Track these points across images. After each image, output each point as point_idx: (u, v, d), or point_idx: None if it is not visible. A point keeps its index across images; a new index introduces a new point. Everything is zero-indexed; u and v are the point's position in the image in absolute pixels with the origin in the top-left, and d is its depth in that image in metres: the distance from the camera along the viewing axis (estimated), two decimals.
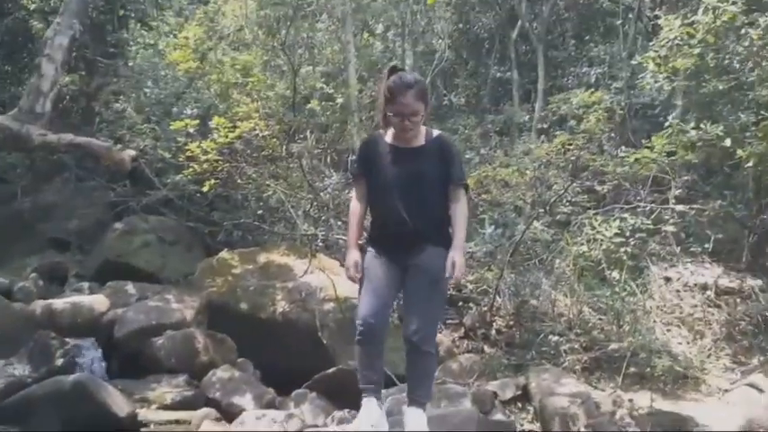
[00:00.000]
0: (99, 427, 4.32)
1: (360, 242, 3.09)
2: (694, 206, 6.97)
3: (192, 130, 6.90)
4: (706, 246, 7.01)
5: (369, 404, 2.88)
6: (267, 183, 6.81)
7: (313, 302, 6.16)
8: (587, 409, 4.82)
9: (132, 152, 7.25)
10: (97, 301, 6.18)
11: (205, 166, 6.19)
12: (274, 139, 7.06)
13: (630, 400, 4.99)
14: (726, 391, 5.38)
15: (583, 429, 4.74)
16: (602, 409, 4.83)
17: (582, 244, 6.77)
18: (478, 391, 5.22)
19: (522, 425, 5.27)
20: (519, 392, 5.62)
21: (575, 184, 7.31)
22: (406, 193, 2.87)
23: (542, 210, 7.24)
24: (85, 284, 6.97)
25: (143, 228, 7.79)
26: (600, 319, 6.26)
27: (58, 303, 6.07)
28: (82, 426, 4.24)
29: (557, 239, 7.11)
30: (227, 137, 6.49)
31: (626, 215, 6.82)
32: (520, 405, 5.53)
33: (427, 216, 2.89)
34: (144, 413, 4.77)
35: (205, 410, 4.89)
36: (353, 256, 2.96)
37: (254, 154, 7.16)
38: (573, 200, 7.52)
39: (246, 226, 7.71)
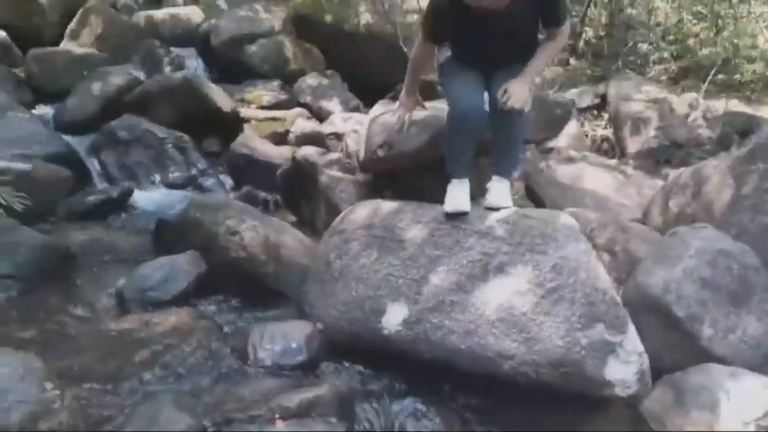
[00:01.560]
0: (208, 119, 4.93)
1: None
2: None
3: None
4: None
5: (459, 185, 2.57)
6: None
7: (396, 14, 6.25)
8: (660, 112, 4.85)
9: None
10: (193, 12, 6.53)
11: None
12: None
13: (707, 104, 4.94)
14: None
15: (653, 132, 4.85)
16: (676, 113, 4.84)
17: None
18: (556, 98, 5.32)
19: (594, 131, 5.44)
20: (597, 101, 5.69)
21: None
22: (494, 47, 2.54)
23: None
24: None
25: None
26: (699, 25, 5.87)
27: (158, 14, 6.49)
28: (193, 116, 4.84)
29: None
30: None
31: None
32: (596, 113, 5.64)
33: (516, 47, 2.56)
34: (244, 111, 5.31)
35: (298, 110, 5.36)
36: (409, 101, 2.82)
37: None
38: None
39: None
